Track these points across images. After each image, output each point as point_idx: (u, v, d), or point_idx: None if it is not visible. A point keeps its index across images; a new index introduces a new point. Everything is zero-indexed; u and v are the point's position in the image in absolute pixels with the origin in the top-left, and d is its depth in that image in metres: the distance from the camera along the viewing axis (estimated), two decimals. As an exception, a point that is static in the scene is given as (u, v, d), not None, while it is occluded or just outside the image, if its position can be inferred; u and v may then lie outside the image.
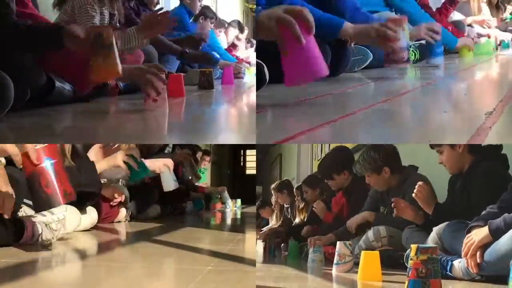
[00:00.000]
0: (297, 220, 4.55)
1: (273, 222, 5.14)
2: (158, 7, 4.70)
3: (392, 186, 2.94)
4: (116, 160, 2.86)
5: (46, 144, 1.66)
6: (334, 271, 2.35)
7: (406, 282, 1.70)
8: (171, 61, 4.53)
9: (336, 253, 2.39)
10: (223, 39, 6.47)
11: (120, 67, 2.17)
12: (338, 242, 2.41)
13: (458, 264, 1.98)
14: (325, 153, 6.06)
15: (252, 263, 1.85)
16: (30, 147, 1.62)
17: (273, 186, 5.24)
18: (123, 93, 3.36)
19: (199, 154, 6.73)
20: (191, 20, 5.60)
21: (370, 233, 2.73)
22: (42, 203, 1.67)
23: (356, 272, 2.19)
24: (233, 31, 6.83)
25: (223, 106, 3.30)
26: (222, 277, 1.56)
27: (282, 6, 2.12)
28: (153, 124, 2.32)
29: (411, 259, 1.70)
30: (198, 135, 2.37)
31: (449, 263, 2.02)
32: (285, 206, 5.12)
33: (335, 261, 2.38)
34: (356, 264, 2.28)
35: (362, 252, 2.11)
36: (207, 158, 6.95)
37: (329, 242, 2.99)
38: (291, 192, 4.96)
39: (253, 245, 3.24)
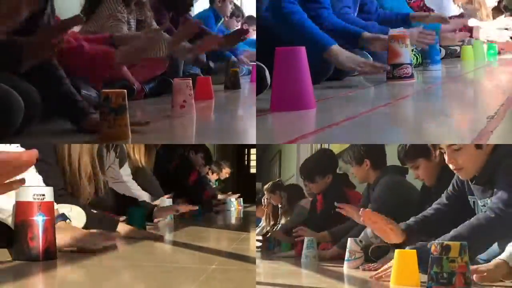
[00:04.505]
0: (283, 221, 4.54)
1: (263, 224, 5.13)
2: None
3: (370, 183, 3.06)
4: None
5: (43, 200, 1.69)
6: (345, 267, 2.38)
7: None
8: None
9: (347, 249, 2.41)
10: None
11: (129, 132, 1.99)
12: (349, 239, 2.44)
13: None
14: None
15: (254, 261, 1.87)
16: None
17: (266, 186, 5.20)
18: (149, 96, 3.39)
19: (226, 170, 6.98)
20: (218, 24, 5.55)
21: (369, 230, 2.75)
22: (22, 253, 1.69)
23: (366, 270, 2.21)
24: None
25: (233, 109, 3.33)
26: (225, 276, 1.59)
27: None
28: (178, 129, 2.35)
29: (452, 261, 1.41)
30: (202, 136, 2.40)
31: None
32: (278, 206, 5.12)
33: (346, 258, 2.40)
34: (367, 260, 2.36)
35: (396, 251, 1.83)
36: (228, 170, 7.17)
37: (323, 240, 3.08)
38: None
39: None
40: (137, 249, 2.24)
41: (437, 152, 2.41)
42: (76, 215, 2.43)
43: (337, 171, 3.62)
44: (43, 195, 1.70)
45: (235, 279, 1.55)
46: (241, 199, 6.43)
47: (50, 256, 1.72)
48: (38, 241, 1.69)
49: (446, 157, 1.94)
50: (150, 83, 3.43)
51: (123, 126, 1.94)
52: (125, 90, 1.97)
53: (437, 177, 2.49)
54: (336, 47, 3.18)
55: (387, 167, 3.04)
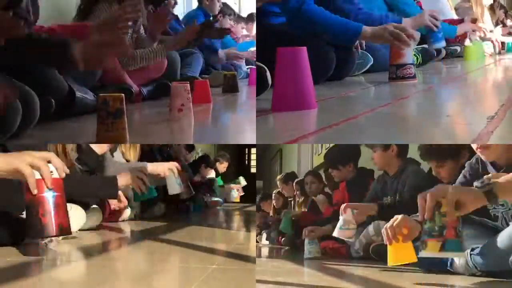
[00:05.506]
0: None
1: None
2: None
3: (391, 173, 3.03)
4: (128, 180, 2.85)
5: (52, 176, 1.66)
6: (336, 233, 2.38)
7: (438, 244, 1.47)
8: (194, 64, 4.46)
9: (342, 217, 2.42)
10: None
11: (127, 135, 1.98)
12: (348, 209, 2.45)
13: (458, 260, 1.99)
14: (326, 149, 6.11)
15: (254, 261, 1.87)
16: (28, 175, 1.61)
17: (279, 177, 5.30)
18: (147, 99, 3.39)
19: (224, 165, 6.98)
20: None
21: (370, 228, 2.76)
22: (36, 231, 1.66)
23: (360, 266, 2.21)
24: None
25: (233, 109, 3.33)
26: (225, 276, 1.59)
27: None
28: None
29: (444, 216, 1.45)
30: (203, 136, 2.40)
31: (450, 259, 2.01)
32: (288, 199, 5.17)
33: (338, 225, 2.41)
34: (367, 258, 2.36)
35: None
36: (226, 164, 7.18)
37: (326, 233, 3.04)
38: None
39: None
40: (137, 249, 2.25)
41: (465, 152, 2.39)
42: (76, 214, 2.45)
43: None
44: (51, 172, 1.66)
45: (235, 279, 1.55)
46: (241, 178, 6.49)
47: (64, 232, 1.68)
48: (50, 217, 1.64)
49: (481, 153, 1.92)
50: (148, 86, 3.44)
51: (121, 130, 1.94)
52: (123, 94, 1.97)
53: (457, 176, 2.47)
54: (365, 27, 3.20)
55: (409, 158, 3.02)
